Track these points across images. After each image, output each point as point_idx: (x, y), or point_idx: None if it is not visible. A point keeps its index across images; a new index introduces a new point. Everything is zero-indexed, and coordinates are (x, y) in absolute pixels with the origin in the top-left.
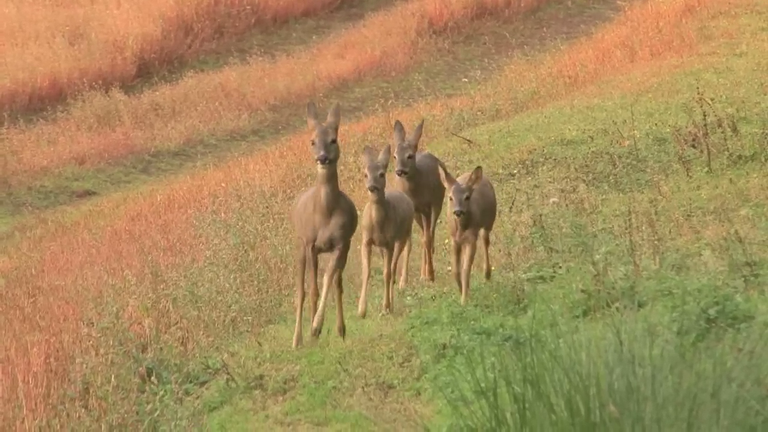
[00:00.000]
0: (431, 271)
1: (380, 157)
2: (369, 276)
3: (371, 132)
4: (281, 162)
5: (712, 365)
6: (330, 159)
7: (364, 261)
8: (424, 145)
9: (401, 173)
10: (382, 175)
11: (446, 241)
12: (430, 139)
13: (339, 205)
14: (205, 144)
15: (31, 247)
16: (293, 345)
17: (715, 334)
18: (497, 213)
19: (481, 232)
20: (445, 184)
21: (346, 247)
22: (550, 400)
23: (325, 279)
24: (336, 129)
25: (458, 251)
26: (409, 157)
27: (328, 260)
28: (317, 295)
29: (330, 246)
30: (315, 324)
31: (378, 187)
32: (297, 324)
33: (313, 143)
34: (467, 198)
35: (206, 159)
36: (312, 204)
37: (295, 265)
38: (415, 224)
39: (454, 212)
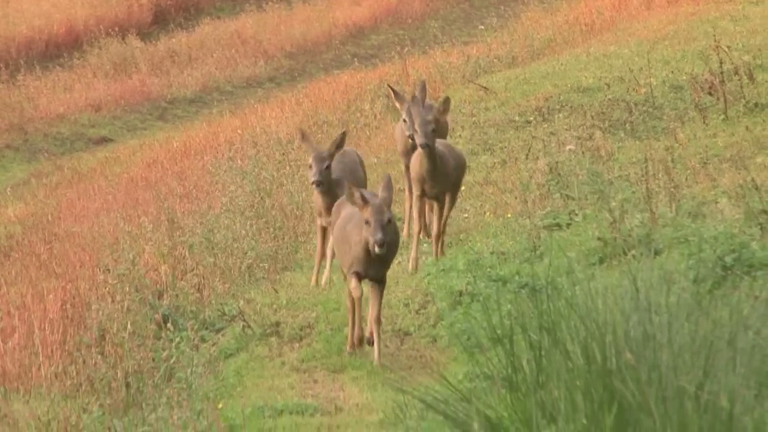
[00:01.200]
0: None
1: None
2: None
3: (387, 80)
4: (297, 109)
5: (728, 313)
6: (386, 241)
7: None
8: (441, 92)
9: (425, 147)
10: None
11: (462, 187)
12: (446, 86)
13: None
14: (221, 91)
15: (48, 194)
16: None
17: (731, 281)
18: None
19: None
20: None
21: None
22: (566, 347)
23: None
24: (390, 204)
25: (428, 207)
26: (433, 131)
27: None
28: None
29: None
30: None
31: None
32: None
33: (367, 223)
34: (434, 131)
35: (222, 106)
36: (360, 244)
37: (346, 301)
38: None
39: (420, 145)
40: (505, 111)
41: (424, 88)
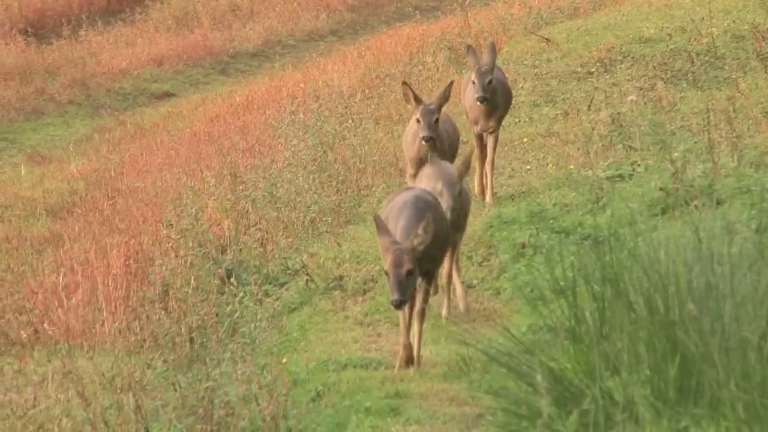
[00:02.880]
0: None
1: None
2: None
3: (449, 32)
4: (359, 62)
5: None
6: (405, 300)
7: None
8: (503, 43)
9: (483, 100)
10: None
11: (525, 139)
12: (508, 38)
13: None
14: (283, 45)
15: (110, 150)
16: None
17: None
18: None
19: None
20: (411, 104)
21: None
22: (629, 298)
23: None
24: (413, 257)
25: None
26: (489, 82)
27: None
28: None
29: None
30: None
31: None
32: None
33: (386, 274)
34: (437, 121)
35: (284, 60)
36: None
37: None
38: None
39: (423, 138)
40: (567, 62)
41: (493, 49)
